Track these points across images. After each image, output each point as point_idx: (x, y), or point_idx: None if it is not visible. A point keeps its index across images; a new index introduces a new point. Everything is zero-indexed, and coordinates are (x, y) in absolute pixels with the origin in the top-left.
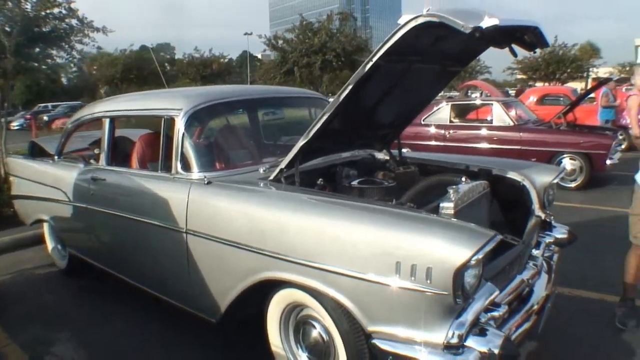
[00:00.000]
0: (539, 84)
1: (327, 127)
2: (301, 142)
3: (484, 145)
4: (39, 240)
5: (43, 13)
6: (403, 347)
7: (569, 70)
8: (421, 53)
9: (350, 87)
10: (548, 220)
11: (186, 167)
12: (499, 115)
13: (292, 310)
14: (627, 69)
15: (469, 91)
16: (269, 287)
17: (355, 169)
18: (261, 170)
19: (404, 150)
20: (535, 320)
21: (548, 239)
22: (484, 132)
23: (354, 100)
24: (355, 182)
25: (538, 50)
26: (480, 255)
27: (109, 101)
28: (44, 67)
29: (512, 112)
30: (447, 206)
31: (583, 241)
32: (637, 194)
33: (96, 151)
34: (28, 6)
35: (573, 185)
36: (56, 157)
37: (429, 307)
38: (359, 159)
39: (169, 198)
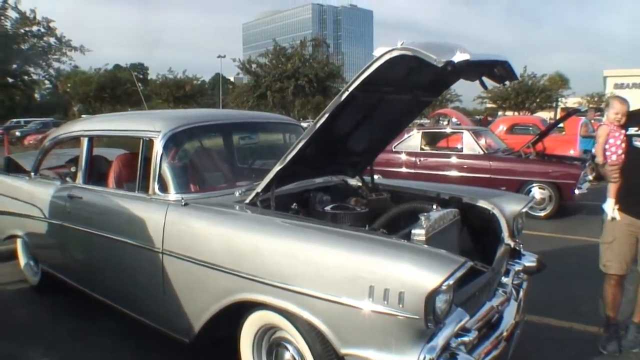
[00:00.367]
0: (508, 113)
1: (304, 153)
2: (277, 167)
3: (454, 173)
4: (12, 255)
5: (22, 30)
6: None
7: (538, 100)
8: (395, 84)
9: (326, 115)
10: (517, 248)
11: (163, 188)
12: (469, 143)
13: (266, 332)
14: (596, 99)
15: (440, 119)
16: (243, 309)
17: (329, 195)
18: (237, 194)
19: (376, 176)
20: (504, 347)
21: (517, 267)
22: (454, 160)
23: (329, 128)
24: (328, 208)
25: (507, 83)
26: (451, 281)
27: (88, 121)
28: (20, 83)
29: (482, 141)
30: (419, 233)
31: (552, 270)
32: (606, 222)
33: (73, 169)
34: (8, 23)
35: (542, 214)
36: (32, 173)
37: (401, 331)
38: (332, 185)
39: (146, 218)
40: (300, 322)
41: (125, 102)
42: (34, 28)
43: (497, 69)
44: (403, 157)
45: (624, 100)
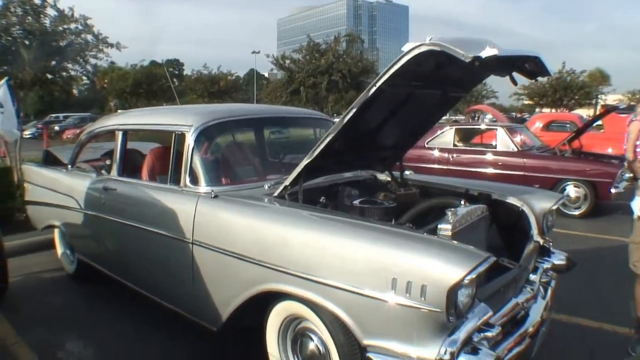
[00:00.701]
0: (545, 110)
1: (331, 147)
2: (305, 161)
3: (487, 170)
4: (50, 245)
5: (61, 28)
6: None
7: (576, 97)
8: (424, 79)
9: (354, 110)
10: (547, 246)
11: (194, 180)
12: (503, 140)
13: (291, 322)
14: (637, 96)
15: (479, 115)
16: (269, 299)
17: (357, 189)
18: (266, 187)
19: (406, 172)
20: (528, 344)
21: (546, 265)
22: (487, 157)
23: (357, 123)
24: (356, 202)
25: (544, 78)
26: (473, 275)
27: (123, 115)
28: (58, 79)
29: (517, 138)
30: (445, 228)
31: (584, 269)
32: (635, 221)
33: (108, 162)
34: (47, 21)
35: (577, 213)
36: (70, 166)
37: (423, 323)
38: (362, 180)
39: (177, 210)
40: (324, 313)
41: (160, 97)
42: (72, 25)
43: (529, 65)
44: (436, 153)
45: None
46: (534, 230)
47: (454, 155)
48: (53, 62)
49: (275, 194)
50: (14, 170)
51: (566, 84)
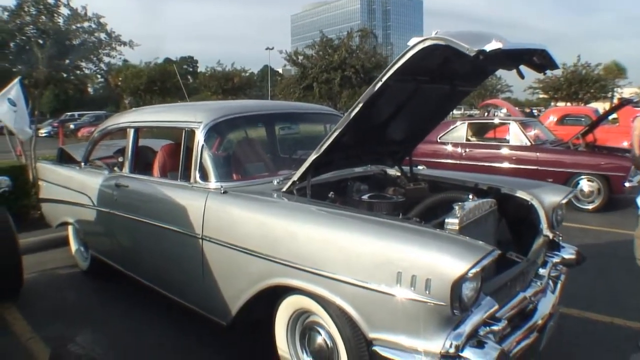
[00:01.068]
0: (560, 104)
1: (339, 142)
2: (313, 156)
3: (500, 164)
4: (64, 242)
5: (74, 27)
6: (402, 354)
7: (592, 91)
8: (431, 73)
9: (360, 105)
10: (556, 240)
11: (204, 176)
12: (516, 134)
13: (299, 316)
14: None
15: (494, 110)
16: (278, 293)
17: (367, 184)
18: (275, 182)
19: (419, 167)
20: (536, 338)
21: (555, 259)
22: (500, 151)
23: (364, 118)
24: (365, 197)
25: (558, 70)
26: (477, 269)
27: (134, 112)
28: (72, 77)
29: (530, 132)
30: (452, 222)
31: (596, 264)
32: None
33: (120, 159)
34: (60, 20)
35: (590, 207)
36: (83, 163)
37: (428, 317)
38: (371, 175)
39: (187, 205)
40: (332, 307)
41: (174, 94)
42: (85, 24)
43: (536, 58)
44: (449, 148)
45: None
46: (544, 225)
47: (467, 149)
48: (67, 61)
49: (284, 189)
50: (29, 169)
51: (581, 77)
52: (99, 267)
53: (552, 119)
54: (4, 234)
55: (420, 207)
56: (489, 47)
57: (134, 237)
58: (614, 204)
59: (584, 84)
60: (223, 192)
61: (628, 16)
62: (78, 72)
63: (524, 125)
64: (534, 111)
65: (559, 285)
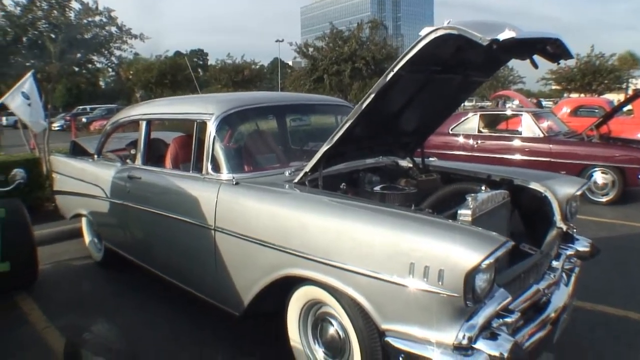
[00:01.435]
0: (574, 95)
1: (351, 133)
2: (325, 147)
3: (513, 156)
4: (77, 233)
5: (85, 21)
6: (415, 345)
7: (606, 81)
8: (443, 63)
9: (372, 95)
10: (570, 232)
11: (216, 168)
12: (529, 126)
13: (311, 307)
14: None
15: (504, 100)
16: (290, 284)
17: (378, 175)
18: (287, 174)
19: (430, 158)
20: (550, 330)
21: (569, 251)
22: (512, 142)
23: (376, 108)
24: (377, 188)
25: (571, 61)
26: (491, 260)
27: (146, 105)
28: (84, 71)
29: (543, 123)
30: (465, 213)
31: (611, 256)
32: None
33: (133, 151)
34: (72, 14)
35: (604, 199)
36: (96, 156)
37: (441, 308)
38: (383, 166)
39: (199, 197)
40: (344, 298)
41: (185, 87)
42: (96, 18)
43: (550, 47)
44: (460, 139)
45: None
46: (557, 217)
47: (479, 141)
48: (79, 55)
49: (296, 180)
50: (43, 161)
51: (595, 67)
52: (112, 259)
53: (566, 110)
54: (20, 226)
55: (432, 198)
56: (502, 36)
57: (147, 228)
58: (629, 196)
59: (597, 74)
60: (235, 184)
61: None
62: (90, 65)
63: (537, 117)
64: (542, 102)
65: (572, 278)
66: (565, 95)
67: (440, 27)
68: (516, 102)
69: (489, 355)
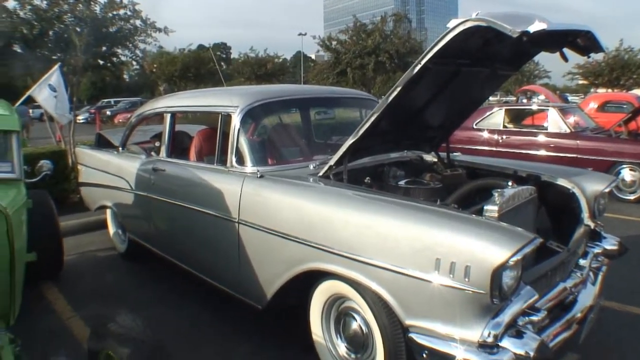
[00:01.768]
0: (601, 90)
1: (376, 127)
2: (350, 141)
3: (538, 152)
4: (102, 225)
5: (110, 14)
6: (439, 342)
7: (634, 76)
8: (470, 56)
9: (398, 89)
10: (598, 230)
11: (240, 161)
12: (556, 121)
13: (335, 302)
14: None
15: (529, 95)
16: (313, 278)
17: (403, 170)
18: (311, 167)
19: (454, 153)
20: (576, 330)
21: (597, 250)
22: (538, 138)
23: (402, 102)
24: (401, 182)
25: (599, 55)
26: (518, 257)
27: (171, 97)
28: (109, 64)
29: (570, 119)
30: (491, 209)
31: (639, 256)
32: None
33: (157, 144)
34: (97, 8)
35: (632, 197)
36: (120, 148)
37: (466, 305)
38: (407, 160)
39: (224, 189)
40: (368, 293)
41: (209, 80)
42: (121, 11)
43: (580, 40)
44: (485, 134)
45: None
46: (585, 214)
47: (504, 136)
48: (103, 48)
49: (320, 173)
50: (69, 154)
51: (624, 62)
52: (136, 250)
53: (593, 105)
54: (46, 217)
55: (458, 193)
56: (532, 28)
57: (171, 220)
58: None
59: (626, 69)
60: (259, 177)
61: None
62: (114, 59)
63: (564, 112)
64: (568, 97)
65: (599, 277)
66: (592, 90)
67: (468, 19)
68: (542, 97)
69: (515, 354)
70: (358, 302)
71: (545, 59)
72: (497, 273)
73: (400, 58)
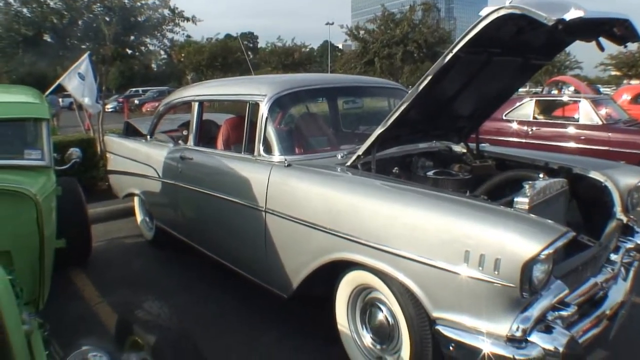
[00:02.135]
0: (634, 82)
1: (405, 116)
2: (379, 130)
3: (569, 144)
4: (130, 212)
5: (139, 4)
6: (466, 335)
7: None
8: (503, 45)
9: (429, 77)
10: (630, 224)
11: (268, 149)
12: (587, 113)
13: (361, 292)
14: None
15: (562, 87)
16: (339, 268)
17: (432, 160)
18: (339, 156)
19: (483, 144)
20: (605, 326)
21: (629, 245)
22: (569, 130)
23: (432, 91)
24: (430, 173)
25: (634, 45)
26: (550, 250)
27: (198, 86)
28: (137, 54)
29: (602, 111)
30: (522, 201)
31: None
32: None
33: (185, 132)
34: None
35: None
36: (148, 136)
37: (495, 298)
38: (436, 151)
39: (251, 178)
40: (395, 284)
41: (236, 70)
42: (149, 1)
43: (617, 29)
44: (514, 126)
45: None
46: (617, 208)
47: (534, 128)
48: (132, 37)
49: (348, 163)
50: (97, 142)
51: None
52: (163, 238)
53: (626, 97)
54: (75, 204)
55: (487, 185)
56: (568, 16)
57: (198, 208)
58: None
59: None
60: (287, 166)
61: None
62: (143, 48)
63: (595, 103)
64: (600, 88)
65: (631, 273)
66: (625, 82)
67: (502, 7)
68: (571, 88)
69: (544, 349)
70: (384, 293)
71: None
72: (528, 266)
73: (428, 48)
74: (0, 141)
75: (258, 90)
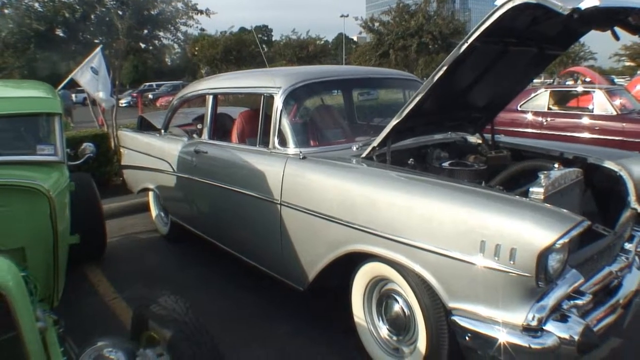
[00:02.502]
0: None
1: (420, 107)
2: (394, 122)
3: (583, 134)
4: (145, 207)
5: None
6: (482, 325)
7: None
8: (518, 35)
9: (444, 68)
10: None
11: (283, 142)
12: (601, 103)
13: (377, 284)
14: None
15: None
16: (355, 260)
17: (447, 151)
18: (354, 148)
19: (498, 135)
20: (620, 315)
21: None
22: (583, 120)
23: (447, 82)
24: (445, 164)
25: None
26: (565, 240)
27: (212, 79)
28: (151, 48)
29: (616, 101)
30: (537, 191)
31: None
32: None
33: (199, 126)
34: None
35: None
36: (162, 131)
37: (511, 287)
38: (451, 142)
39: (266, 171)
40: (410, 275)
41: (250, 63)
42: None
43: (633, 18)
44: (529, 116)
45: None
46: (632, 197)
47: (548, 118)
48: (145, 31)
49: (363, 155)
50: (111, 137)
51: None
52: (178, 232)
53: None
54: (89, 199)
55: (503, 175)
56: (584, 5)
57: (213, 202)
58: None
59: None
60: (302, 158)
61: None
62: (156, 42)
63: (610, 94)
64: (614, 79)
65: None
66: (638, 72)
67: None
68: (587, 79)
69: (559, 338)
70: (400, 284)
71: (591, 40)
72: (543, 256)
73: (443, 39)
74: (12, 137)
75: (272, 82)
